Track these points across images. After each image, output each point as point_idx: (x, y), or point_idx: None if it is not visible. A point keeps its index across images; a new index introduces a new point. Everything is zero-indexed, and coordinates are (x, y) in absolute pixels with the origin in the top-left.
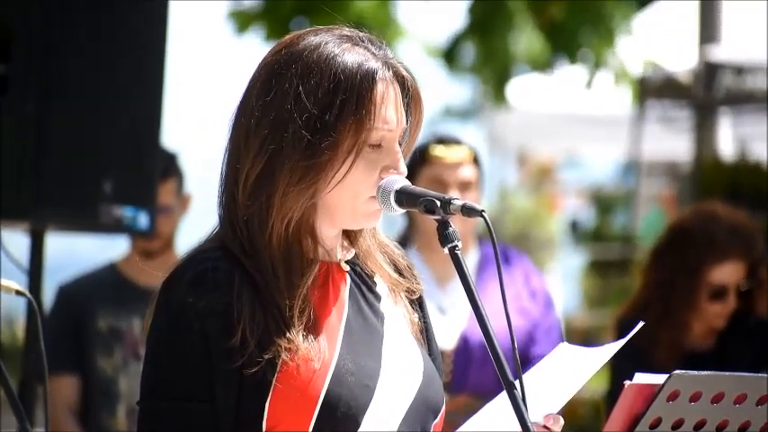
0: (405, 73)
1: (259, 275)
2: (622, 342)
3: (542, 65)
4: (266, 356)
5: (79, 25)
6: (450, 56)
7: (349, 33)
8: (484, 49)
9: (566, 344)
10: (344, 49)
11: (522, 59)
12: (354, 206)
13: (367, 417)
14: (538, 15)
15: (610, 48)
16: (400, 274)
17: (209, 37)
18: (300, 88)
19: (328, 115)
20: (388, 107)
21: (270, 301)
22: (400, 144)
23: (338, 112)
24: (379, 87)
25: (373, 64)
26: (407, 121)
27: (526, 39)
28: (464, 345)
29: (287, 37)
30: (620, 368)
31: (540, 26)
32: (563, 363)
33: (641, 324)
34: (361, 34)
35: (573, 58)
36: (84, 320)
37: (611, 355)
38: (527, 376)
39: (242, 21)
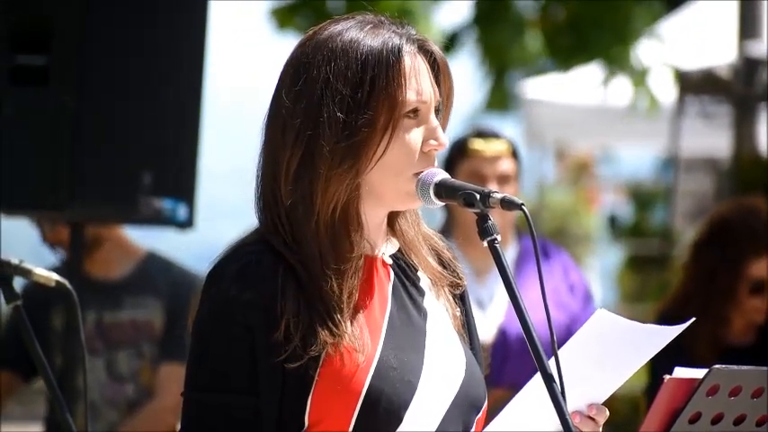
0: (430, 46)
1: (303, 268)
2: (678, 329)
3: (560, 63)
4: (310, 351)
5: (118, 17)
6: (449, 46)
7: (371, 18)
8: (486, 44)
9: (604, 310)
10: (367, 32)
11: (523, 58)
12: (398, 184)
13: (409, 412)
14: (541, 18)
15: (627, 49)
16: (444, 266)
17: (249, 33)
18: (329, 73)
19: (360, 93)
20: (419, 79)
21: (314, 294)
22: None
23: (369, 89)
24: (407, 60)
25: (397, 40)
26: (440, 93)
27: (530, 38)
28: (502, 338)
29: (309, 31)
30: (659, 363)
31: (542, 28)
32: (606, 335)
33: (692, 320)
34: (382, 18)
35: (587, 58)
36: (39, 317)
37: (668, 341)
38: (568, 348)
39: (282, 18)
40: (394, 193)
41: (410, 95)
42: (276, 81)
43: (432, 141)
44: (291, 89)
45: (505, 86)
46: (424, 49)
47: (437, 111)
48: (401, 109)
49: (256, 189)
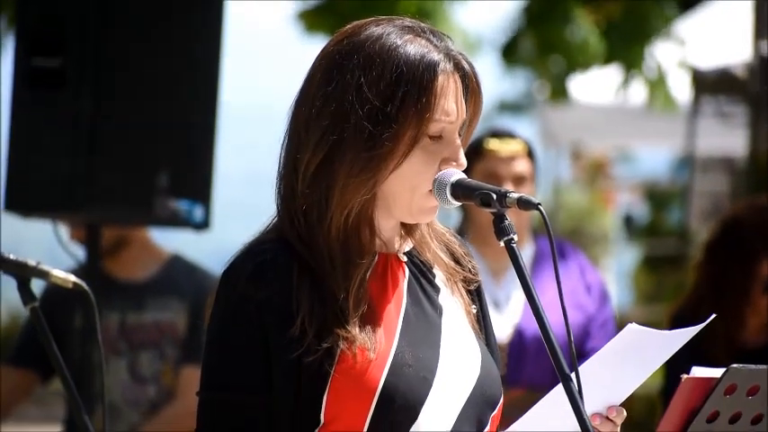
0: (466, 65)
1: (315, 265)
2: (695, 329)
3: (597, 61)
4: (324, 345)
5: (134, 19)
6: (508, 51)
7: (410, 24)
8: (542, 43)
9: (634, 324)
10: (406, 41)
11: (579, 55)
12: (412, 199)
13: (425, 409)
14: (594, 12)
15: (644, 50)
16: (457, 262)
17: (270, 35)
18: (362, 79)
19: (390, 107)
20: (449, 99)
21: (328, 292)
22: (459, 136)
23: (400, 104)
24: (441, 79)
25: (435, 56)
26: (466, 112)
27: (582, 34)
28: (518, 338)
29: (348, 27)
30: (674, 364)
31: (597, 23)
32: (631, 345)
33: (712, 317)
34: (423, 25)
35: (605, 60)
36: (61, 317)
37: (684, 342)
38: (595, 360)
39: (309, 20)
40: (406, 206)
41: (438, 115)
42: (307, 72)
43: (452, 162)
44: (323, 88)
45: (564, 82)
46: (458, 67)
47: (461, 127)
48: (427, 127)
49: (277, 178)
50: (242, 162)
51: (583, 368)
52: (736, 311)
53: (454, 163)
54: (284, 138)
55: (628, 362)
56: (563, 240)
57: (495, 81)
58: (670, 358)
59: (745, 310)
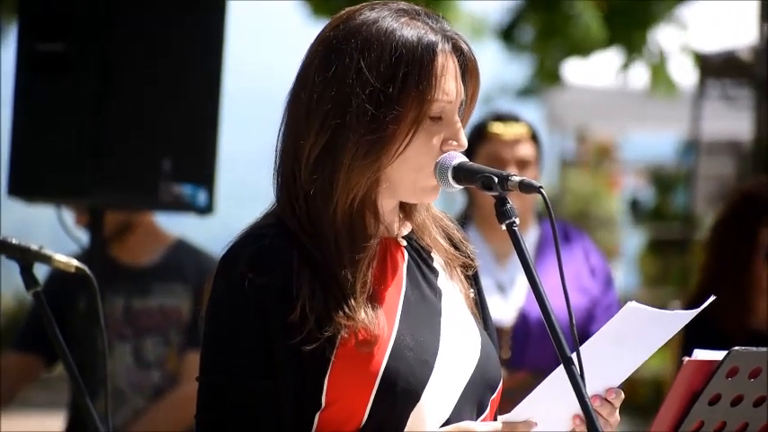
0: (462, 45)
1: (318, 252)
2: (695, 312)
3: (598, 46)
4: (326, 333)
5: (139, 4)
6: (508, 34)
7: (405, 7)
8: (544, 28)
9: (634, 302)
10: (403, 23)
11: (580, 40)
12: (416, 180)
13: (426, 392)
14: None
15: (646, 34)
16: (455, 247)
17: (277, 18)
18: (362, 62)
19: (391, 88)
20: (448, 79)
21: (329, 278)
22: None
23: (401, 85)
24: (440, 59)
25: (432, 36)
26: (465, 92)
27: (583, 20)
28: (523, 321)
29: (342, 12)
30: (689, 348)
31: (599, 8)
32: (631, 324)
33: (712, 298)
34: (417, 8)
35: (607, 43)
36: (65, 301)
37: (684, 324)
38: (594, 339)
39: (314, 3)
40: (410, 187)
41: (439, 95)
42: (303, 59)
43: (452, 142)
44: (321, 73)
45: (558, 67)
46: (455, 47)
47: (460, 108)
48: (428, 108)
49: (275, 165)
50: (247, 144)
51: (583, 348)
52: (740, 283)
53: (455, 143)
54: (281, 124)
55: (628, 342)
56: (568, 224)
57: (502, 65)
58: (684, 343)
59: (747, 280)
